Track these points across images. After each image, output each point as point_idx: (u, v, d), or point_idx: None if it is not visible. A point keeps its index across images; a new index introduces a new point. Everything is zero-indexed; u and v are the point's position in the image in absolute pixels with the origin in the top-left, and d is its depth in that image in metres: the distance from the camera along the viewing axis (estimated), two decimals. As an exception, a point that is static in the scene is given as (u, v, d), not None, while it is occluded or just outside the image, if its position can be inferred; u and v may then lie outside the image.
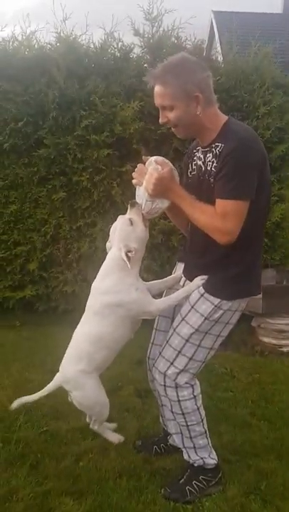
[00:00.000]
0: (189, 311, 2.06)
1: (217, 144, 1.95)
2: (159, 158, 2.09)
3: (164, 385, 2.12)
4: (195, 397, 2.14)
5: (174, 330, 2.11)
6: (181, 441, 2.21)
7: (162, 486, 2.19)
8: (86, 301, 4.71)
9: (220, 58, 4.99)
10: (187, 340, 2.07)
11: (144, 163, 2.10)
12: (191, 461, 2.20)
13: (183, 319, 2.08)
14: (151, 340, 2.38)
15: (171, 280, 2.31)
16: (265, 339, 4.10)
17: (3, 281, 4.62)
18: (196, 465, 2.19)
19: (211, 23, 13.39)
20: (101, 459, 2.40)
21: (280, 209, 4.32)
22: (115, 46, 4.48)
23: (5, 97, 4.32)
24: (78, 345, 2.23)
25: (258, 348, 4.03)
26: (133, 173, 2.12)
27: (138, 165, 2.12)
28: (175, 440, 2.26)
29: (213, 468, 2.20)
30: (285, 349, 4.01)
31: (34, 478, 2.25)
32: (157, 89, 1.95)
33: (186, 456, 2.22)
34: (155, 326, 2.37)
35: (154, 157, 2.10)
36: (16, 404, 2.30)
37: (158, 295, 2.28)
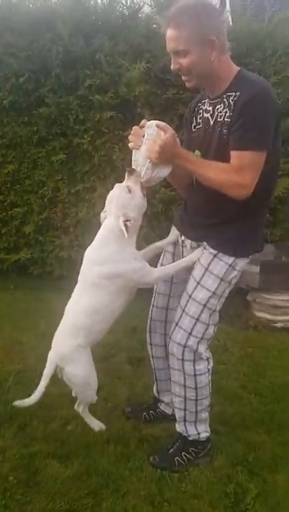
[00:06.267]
0: (204, 274, 1.99)
1: (230, 93, 1.85)
2: (161, 123, 1.97)
3: (182, 359, 2.05)
4: (209, 370, 2.11)
5: (190, 296, 2.02)
6: (183, 415, 2.16)
7: (150, 454, 2.19)
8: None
9: (231, 23, 4.79)
10: (205, 306, 2.00)
11: (141, 126, 1.98)
12: (185, 435, 2.18)
13: (198, 283, 2.01)
14: (153, 303, 2.35)
15: (164, 244, 2.26)
16: (260, 314, 4.07)
17: (-2, 243, 4.54)
18: (190, 439, 2.17)
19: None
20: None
21: (286, 183, 4.21)
22: (124, 4, 4.29)
23: (7, 51, 4.13)
24: (74, 319, 2.16)
25: (252, 323, 4.01)
26: (129, 136, 2.01)
27: (134, 127, 2.00)
28: (176, 414, 2.20)
29: (204, 441, 2.19)
30: (278, 325, 3.99)
31: (21, 440, 2.25)
32: (171, 32, 1.84)
33: (180, 429, 2.19)
34: (155, 289, 2.33)
35: (155, 121, 1.97)
36: (17, 403, 2.25)
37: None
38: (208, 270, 1.99)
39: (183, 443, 2.18)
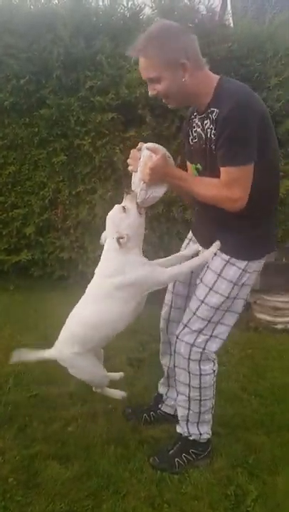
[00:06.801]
0: (216, 280, 2.00)
1: (212, 109, 1.85)
2: (153, 145, 2.03)
3: (189, 358, 2.07)
4: (214, 371, 2.12)
5: (202, 301, 2.03)
6: (186, 415, 2.17)
7: (150, 455, 2.19)
8: (82, 267, 4.64)
9: (232, 25, 4.79)
10: (217, 309, 2.02)
11: (138, 149, 2.05)
12: (186, 434, 2.18)
13: (211, 289, 2.01)
14: (170, 304, 2.35)
15: (181, 258, 2.26)
16: (260, 315, 4.07)
17: (-2, 244, 4.54)
18: (191, 439, 2.18)
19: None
20: (89, 425, 2.40)
21: (285, 185, 4.21)
22: (125, 5, 4.29)
23: (7, 53, 4.13)
24: (76, 328, 2.20)
25: (253, 324, 4.02)
26: (128, 160, 2.08)
27: (131, 151, 2.07)
28: (178, 413, 2.21)
29: (205, 443, 2.20)
30: (279, 326, 3.99)
31: (22, 441, 2.24)
32: (141, 62, 1.87)
33: (182, 430, 2.20)
34: (172, 290, 2.34)
35: (146, 144, 2.05)
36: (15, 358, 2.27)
37: None
38: (221, 276, 2.00)
39: (183, 444, 2.18)
